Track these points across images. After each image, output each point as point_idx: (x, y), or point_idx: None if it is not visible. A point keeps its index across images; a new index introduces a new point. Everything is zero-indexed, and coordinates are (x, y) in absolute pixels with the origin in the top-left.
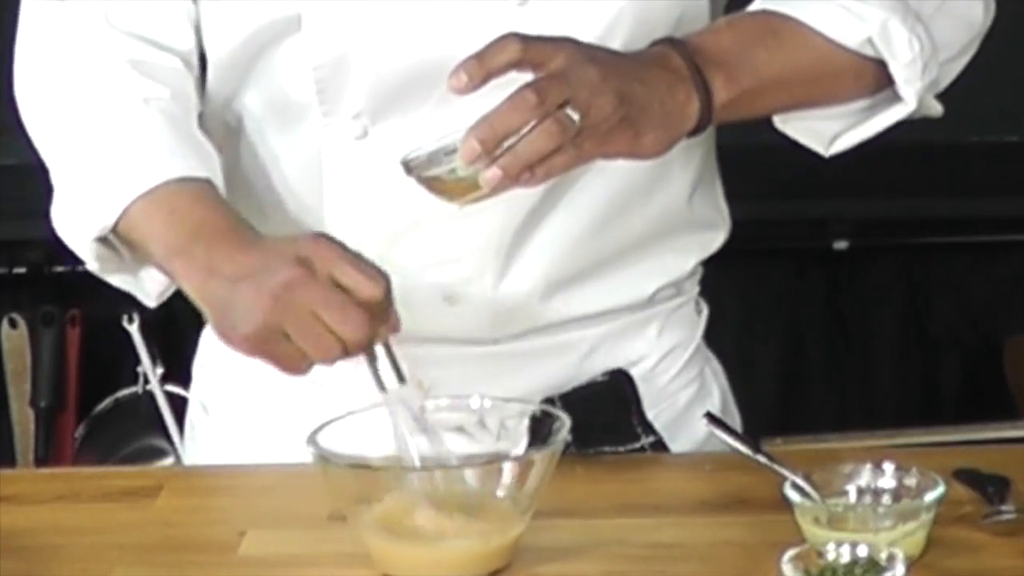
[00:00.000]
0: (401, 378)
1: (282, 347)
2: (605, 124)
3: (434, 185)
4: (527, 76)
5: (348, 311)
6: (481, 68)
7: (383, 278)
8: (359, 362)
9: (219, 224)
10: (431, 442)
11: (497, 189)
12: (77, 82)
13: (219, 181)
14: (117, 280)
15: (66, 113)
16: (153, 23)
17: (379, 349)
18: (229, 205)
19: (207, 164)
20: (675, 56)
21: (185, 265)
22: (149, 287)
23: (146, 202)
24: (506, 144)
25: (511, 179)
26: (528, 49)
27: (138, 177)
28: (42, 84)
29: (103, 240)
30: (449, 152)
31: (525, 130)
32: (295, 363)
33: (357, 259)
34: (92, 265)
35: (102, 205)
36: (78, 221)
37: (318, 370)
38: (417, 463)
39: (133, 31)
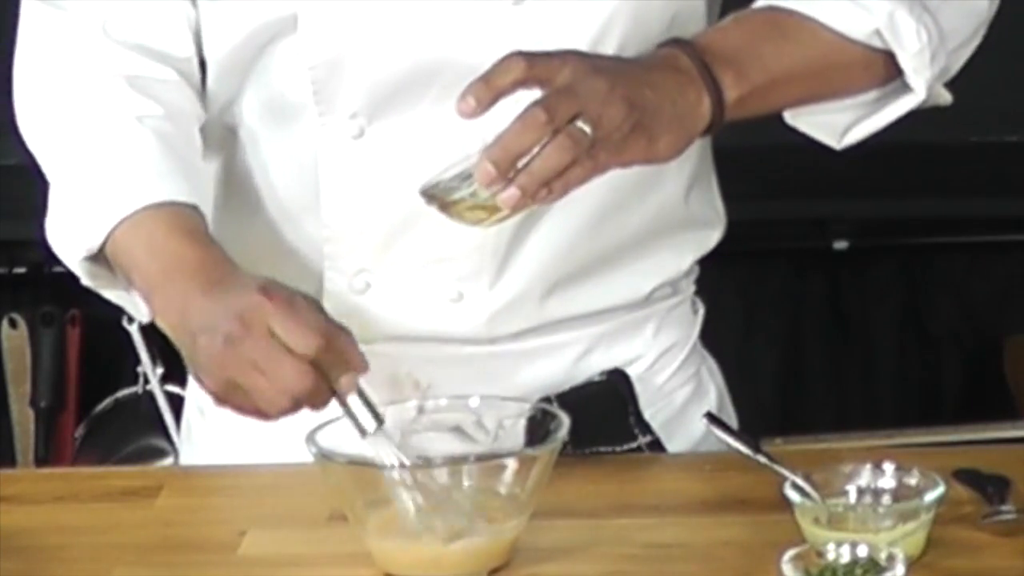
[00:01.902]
0: (379, 420)
1: (242, 400)
2: (618, 133)
3: (456, 211)
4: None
5: (283, 364)
6: (488, 90)
7: (319, 328)
8: (328, 411)
9: (191, 262)
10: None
11: (517, 208)
12: (72, 97)
13: (206, 202)
14: (111, 295)
15: (60, 128)
16: (151, 31)
17: (352, 396)
18: (206, 235)
19: (194, 186)
20: (683, 56)
21: (162, 303)
22: (142, 305)
23: (128, 228)
24: (521, 163)
25: (529, 197)
26: (533, 66)
27: (123, 201)
28: (38, 96)
29: (94, 257)
30: (467, 177)
31: (537, 148)
32: (258, 415)
33: (294, 309)
34: (86, 281)
35: (89, 227)
36: (68, 240)
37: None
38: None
39: (130, 41)
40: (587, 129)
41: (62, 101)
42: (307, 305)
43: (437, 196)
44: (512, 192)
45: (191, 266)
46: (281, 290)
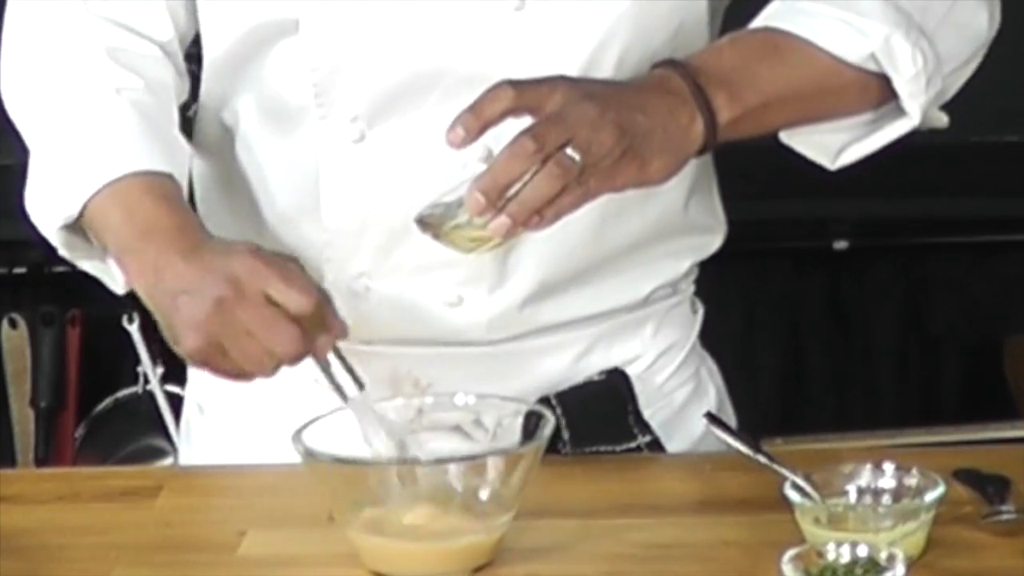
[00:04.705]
0: (359, 384)
1: (222, 361)
2: (608, 158)
3: (450, 239)
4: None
5: (278, 327)
6: (477, 120)
7: (313, 290)
8: (306, 369)
9: (167, 224)
10: (400, 445)
11: (508, 236)
12: (53, 68)
13: (183, 174)
14: (87, 266)
15: (40, 99)
16: (130, 13)
17: (331, 358)
18: (181, 202)
19: (171, 157)
20: (675, 78)
21: (136, 265)
22: (118, 274)
23: (105, 195)
24: (511, 191)
25: (520, 225)
26: (522, 95)
27: (100, 170)
28: (21, 67)
29: (70, 227)
30: (460, 206)
31: (528, 176)
32: (236, 376)
33: (288, 272)
34: (62, 251)
35: (66, 196)
36: (46, 209)
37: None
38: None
39: (111, 18)
40: (576, 156)
41: (43, 72)
42: (297, 268)
43: (431, 224)
44: (503, 221)
45: (167, 229)
46: (271, 254)
